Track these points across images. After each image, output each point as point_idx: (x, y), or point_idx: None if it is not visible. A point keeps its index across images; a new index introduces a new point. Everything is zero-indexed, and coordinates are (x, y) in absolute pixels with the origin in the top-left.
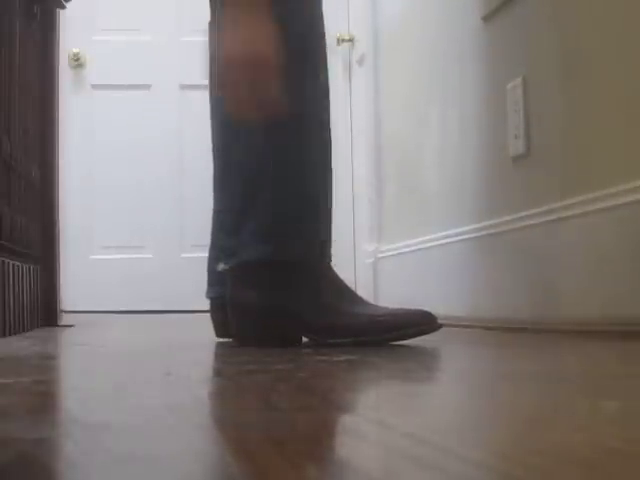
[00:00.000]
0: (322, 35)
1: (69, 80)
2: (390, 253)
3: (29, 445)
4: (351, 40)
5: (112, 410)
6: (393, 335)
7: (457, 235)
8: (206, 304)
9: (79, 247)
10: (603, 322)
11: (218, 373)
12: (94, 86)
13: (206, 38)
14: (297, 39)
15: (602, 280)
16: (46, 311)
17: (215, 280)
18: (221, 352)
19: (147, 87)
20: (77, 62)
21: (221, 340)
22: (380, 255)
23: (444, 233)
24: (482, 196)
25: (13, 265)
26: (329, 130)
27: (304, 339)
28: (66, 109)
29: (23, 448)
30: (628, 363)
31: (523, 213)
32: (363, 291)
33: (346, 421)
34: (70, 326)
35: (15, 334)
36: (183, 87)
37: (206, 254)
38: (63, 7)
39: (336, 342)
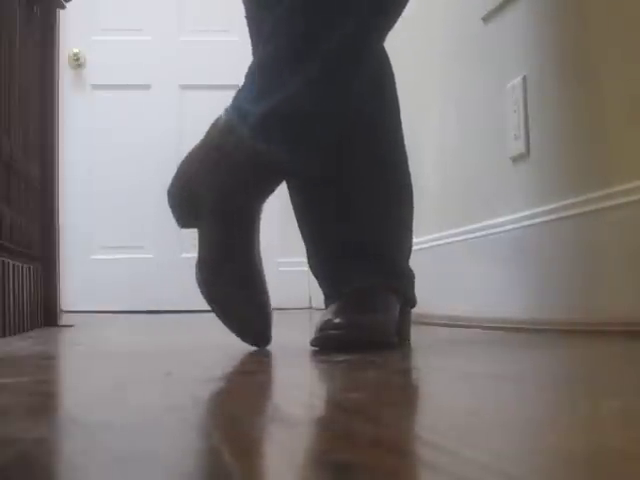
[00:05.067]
0: None
1: (69, 80)
2: None
3: (29, 445)
4: None
5: (112, 410)
6: None
7: (457, 235)
8: (206, 304)
9: (79, 247)
10: (603, 322)
11: (218, 373)
12: (94, 86)
13: (206, 38)
14: None
15: (602, 280)
16: (46, 311)
17: None
18: (221, 352)
19: (147, 87)
20: (77, 62)
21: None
22: None
23: (443, 233)
24: (482, 196)
25: (13, 265)
26: None
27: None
28: (66, 109)
29: (23, 448)
30: (629, 363)
31: (523, 213)
32: None
33: (345, 421)
34: (70, 326)
35: (15, 334)
36: (183, 87)
37: None
38: (63, 7)
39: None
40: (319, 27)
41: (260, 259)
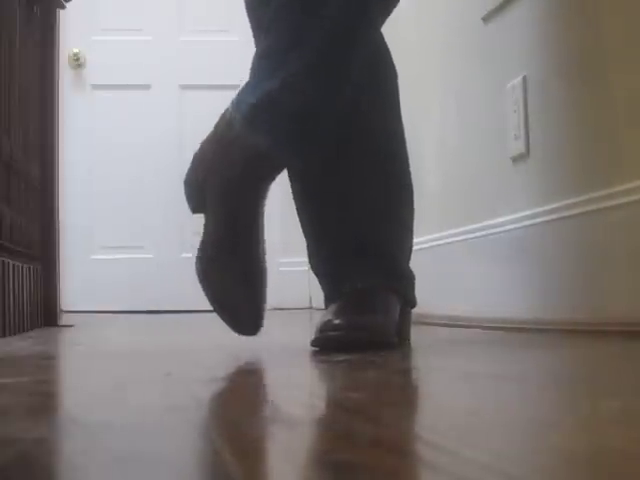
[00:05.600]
0: None
1: (69, 80)
2: None
3: (29, 445)
4: None
5: (112, 410)
6: None
7: (456, 235)
8: (206, 304)
9: (79, 247)
10: (602, 322)
11: (219, 373)
12: (94, 86)
13: (206, 38)
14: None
15: (602, 280)
16: (46, 311)
17: None
18: (221, 352)
19: (147, 87)
20: (77, 62)
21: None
22: None
23: (444, 233)
24: (482, 196)
25: (13, 265)
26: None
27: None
28: (66, 109)
29: (23, 448)
30: (629, 363)
31: (523, 213)
32: None
33: (346, 421)
34: (70, 326)
35: (15, 334)
36: (183, 87)
37: None
38: (63, 7)
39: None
40: (313, 13)
41: (264, 251)
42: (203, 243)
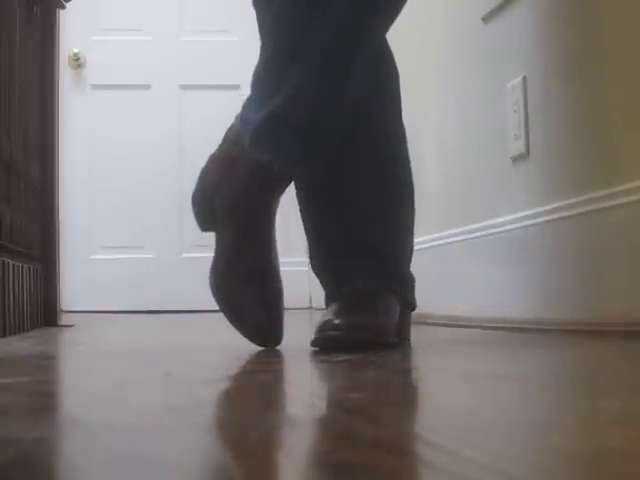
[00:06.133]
0: None
1: (69, 80)
2: None
3: (29, 445)
4: None
5: (112, 410)
6: None
7: (456, 235)
8: (206, 304)
9: (79, 247)
10: (602, 322)
11: (219, 373)
12: (94, 86)
13: (206, 38)
14: None
15: (601, 280)
16: (46, 311)
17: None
18: (221, 352)
19: (147, 87)
20: (77, 62)
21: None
22: None
23: (444, 233)
24: (482, 196)
25: (13, 265)
26: None
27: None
28: (66, 109)
29: (23, 448)
30: (628, 363)
31: (523, 213)
32: None
33: (346, 421)
34: (70, 326)
35: (15, 334)
36: (183, 87)
37: (206, 254)
38: (63, 7)
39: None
40: (318, 9)
41: (276, 259)
42: (215, 257)
